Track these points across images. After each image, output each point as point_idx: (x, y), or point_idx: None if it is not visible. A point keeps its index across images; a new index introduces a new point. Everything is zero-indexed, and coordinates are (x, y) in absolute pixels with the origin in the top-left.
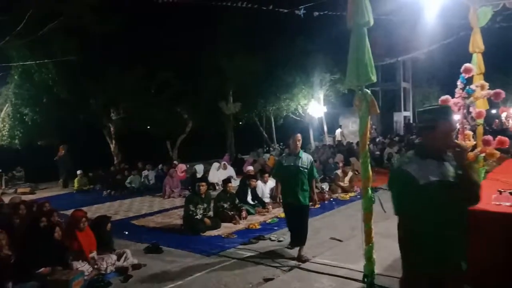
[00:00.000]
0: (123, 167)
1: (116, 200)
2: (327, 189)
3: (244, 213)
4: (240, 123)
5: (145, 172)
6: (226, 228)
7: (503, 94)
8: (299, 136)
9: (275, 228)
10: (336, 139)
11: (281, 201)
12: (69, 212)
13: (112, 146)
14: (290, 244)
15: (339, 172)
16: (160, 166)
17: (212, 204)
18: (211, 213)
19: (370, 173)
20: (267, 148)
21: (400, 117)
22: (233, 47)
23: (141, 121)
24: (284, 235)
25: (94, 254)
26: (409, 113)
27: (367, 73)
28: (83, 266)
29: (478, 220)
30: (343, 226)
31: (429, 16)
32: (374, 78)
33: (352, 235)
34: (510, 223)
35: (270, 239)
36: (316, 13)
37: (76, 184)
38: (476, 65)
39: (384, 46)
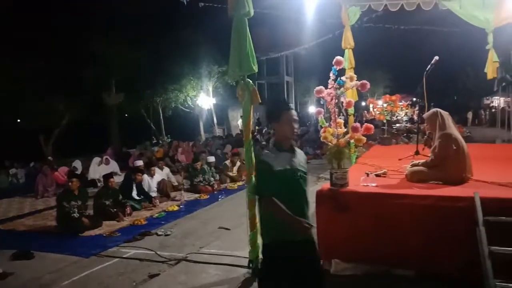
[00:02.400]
0: None
1: None
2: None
3: (128, 209)
4: (126, 115)
5: (12, 170)
6: (108, 227)
7: (368, 85)
8: (294, 113)
9: (163, 222)
10: (239, 128)
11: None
12: None
13: None
14: None
15: (227, 162)
16: (32, 163)
17: (90, 202)
18: (90, 212)
19: (254, 161)
20: (155, 141)
21: None
22: (115, 35)
23: (9, 114)
24: (172, 229)
25: None
26: (292, 105)
27: (249, 63)
28: None
29: (349, 200)
30: (231, 215)
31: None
32: (255, 68)
33: (240, 223)
34: (376, 202)
35: (157, 234)
36: (201, 4)
37: None
38: (347, 60)
39: (269, 40)
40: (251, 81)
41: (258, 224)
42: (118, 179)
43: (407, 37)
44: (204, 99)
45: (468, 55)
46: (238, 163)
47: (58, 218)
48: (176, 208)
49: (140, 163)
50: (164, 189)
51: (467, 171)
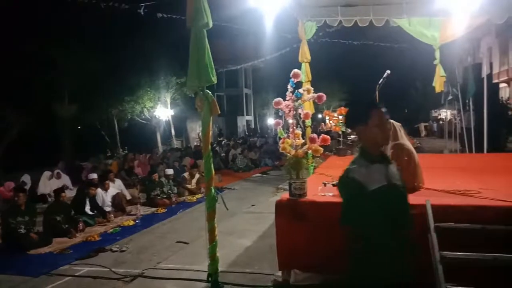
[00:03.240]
0: None
1: None
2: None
3: (81, 225)
4: (79, 126)
5: None
6: (59, 244)
7: (324, 97)
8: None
9: (118, 238)
10: (196, 139)
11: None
12: None
13: None
14: None
15: (186, 174)
16: None
17: (40, 218)
18: (39, 228)
19: (213, 173)
20: (110, 154)
21: (243, 121)
22: (70, 42)
23: None
24: (127, 244)
25: None
26: (251, 117)
27: (208, 74)
28: None
29: (307, 210)
30: (189, 228)
31: (267, 27)
32: (214, 79)
33: (198, 236)
34: (333, 211)
35: (111, 250)
36: (159, 15)
37: None
38: (304, 73)
39: (228, 53)
40: (210, 92)
41: (217, 237)
42: (70, 193)
43: (362, 52)
44: (161, 110)
45: (418, 70)
46: (197, 176)
47: (3, 235)
48: (131, 222)
49: (94, 176)
50: (119, 203)
51: (418, 180)
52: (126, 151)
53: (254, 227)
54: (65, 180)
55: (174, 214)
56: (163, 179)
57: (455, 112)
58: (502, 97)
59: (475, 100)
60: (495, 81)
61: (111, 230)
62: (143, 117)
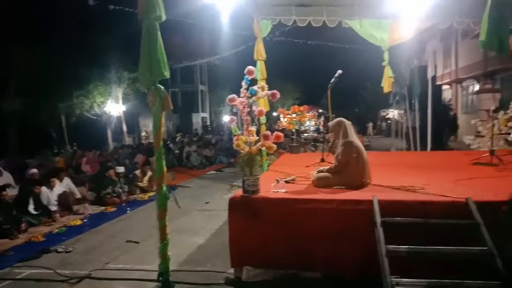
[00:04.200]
0: None
1: None
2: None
3: (23, 225)
4: (26, 122)
5: None
6: None
7: (278, 94)
8: None
9: (64, 238)
10: (143, 136)
11: None
12: None
13: None
14: None
15: (137, 172)
16: None
17: None
18: None
19: (165, 170)
20: (57, 151)
21: (199, 118)
22: (13, 34)
23: None
24: (74, 245)
25: None
26: (206, 114)
27: (160, 68)
28: None
29: (260, 206)
30: (140, 227)
31: (223, 24)
32: (167, 74)
33: (149, 235)
34: (285, 207)
35: (56, 251)
36: (111, 7)
37: None
38: (259, 71)
39: (183, 49)
40: (162, 87)
41: (168, 236)
42: (13, 192)
43: (316, 52)
44: (112, 106)
45: (368, 70)
46: (149, 173)
47: None
48: (79, 222)
49: (34, 171)
50: (66, 202)
51: (366, 176)
52: (75, 148)
53: (208, 225)
54: (7, 177)
55: (124, 213)
56: (113, 177)
57: (402, 112)
58: (444, 98)
59: (421, 100)
60: (438, 83)
61: (56, 230)
62: (93, 112)
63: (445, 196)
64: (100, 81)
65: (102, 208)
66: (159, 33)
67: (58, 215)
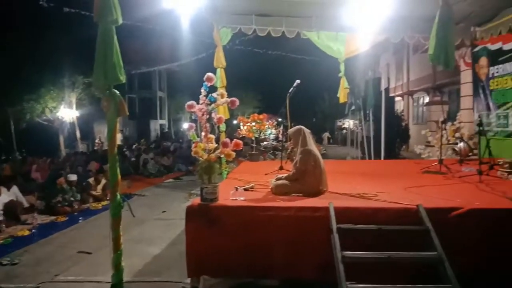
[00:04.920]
0: None
1: None
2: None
3: None
4: None
5: None
6: None
7: (237, 102)
8: None
9: (9, 249)
10: (96, 142)
11: None
12: None
13: None
14: None
15: (91, 180)
16: None
17: None
18: None
19: (119, 177)
20: (5, 157)
21: (157, 125)
22: None
23: None
24: (21, 256)
25: None
26: (164, 121)
27: (115, 73)
28: None
29: (218, 214)
30: (93, 237)
31: (183, 31)
32: (123, 78)
33: (103, 245)
34: (243, 215)
35: (1, 263)
36: (66, 9)
37: None
38: (219, 79)
39: (142, 54)
40: (117, 92)
41: (122, 246)
42: None
43: (276, 62)
44: (65, 111)
45: (326, 81)
46: (104, 181)
47: None
48: (26, 232)
49: None
50: (13, 212)
51: (323, 184)
52: (24, 155)
53: (164, 234)
54: None
55: (76, 223)
56: (65, 186)
57: (357, 122)
58: (397, 109)
59: (375, 111)
60: (391, 94)
61: (1, 241)
62: (45, 118)
63: (397, 203)
64: (53, 85)
65: (53, 217)
66: (115, 37)
67: (4, 225)
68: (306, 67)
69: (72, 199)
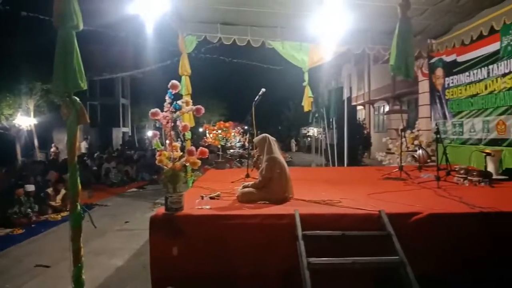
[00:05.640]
0: None
1: None
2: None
3: None
4: None
5: None
6: None
7: (202, 110)
8: None
9: None
10: (81, 151)
11: None
12: None
13: None
14: None
15: (49, 190)
16: None
17: None
18: None
19: (79, 187)
20: None
21: (119, 133)
22: None
23: None
24: None
25: None
26: (128, 129)
27: (76, 79)
28: None
29: (183, 224)
30: (52, 249)
31: (148, 37)
32: (83, 85)
33: (62, 258)
34: (209, 223)
35: None
36: (24, 13)
37: None
38: (184, 86)
39: (104, 61)
40: (78, 99)
41: (83, 258)
42: None
43: (243, 70)
44: (22, 119)
45: (291, 90)
46: (63, 191)
47: None
48: None
49: None
50: None
51: (289, 191)
52: None
53: (128, 245)
54: None
55: (34, 235)
56: (21, 196)
57: (321, 130)
58: (359, 118)
59: (337, 119)
60: (353, 103)
61: None
62: (0, 125)
63: (360, 209)
64: (9, 92)
65: (8, 230)
66: (75, 42)
67: None
68: (272, 76)
69: (29, 210)
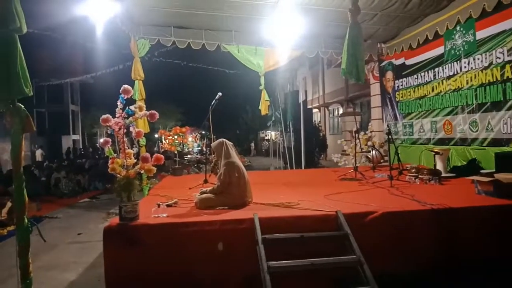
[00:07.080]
0: None
1: None
2: None
3: None
4: None
5: None
6: None
7: (157, 115)
8: None
9: None
10: (37, 159)
11: None
12: None
13: None
14: None
15: None
16: None
17: None
18: None
19: (26, 200)
20: None
21: (69, 141)
22: None
23: None
24: None
25: None
26: (78, 136)
27: (20, 85)
28: None
29: (139, 233)
30: None
31: (98, 41)
32: (28, 91)
33: (9, 275)
34: (166, 232)
35: None
36: None
37: None
38: (137, 91)
39: (51, 65)
40: (23, 106)
41: (32, 274)
42: None
43: (198, 75)
44: None
45: (248, 94)
46: (9, 204)
47: None
48: None
49: None
50: None
51: (248, 195)
52: None
53: (81, 259)
54: None
55: None
56: None
57: (278, 133)
58: (315, 121)
59: (294, 123)
60: (309, 106)
61: None
62: None
63: (318, 210)
64: None
65: None
66: (19, 46)
67: None
68: (228, 80)
69: None
